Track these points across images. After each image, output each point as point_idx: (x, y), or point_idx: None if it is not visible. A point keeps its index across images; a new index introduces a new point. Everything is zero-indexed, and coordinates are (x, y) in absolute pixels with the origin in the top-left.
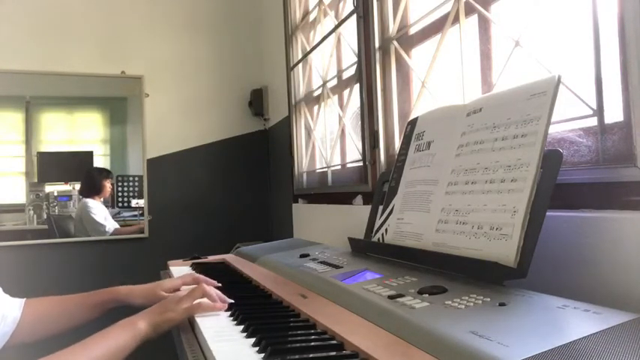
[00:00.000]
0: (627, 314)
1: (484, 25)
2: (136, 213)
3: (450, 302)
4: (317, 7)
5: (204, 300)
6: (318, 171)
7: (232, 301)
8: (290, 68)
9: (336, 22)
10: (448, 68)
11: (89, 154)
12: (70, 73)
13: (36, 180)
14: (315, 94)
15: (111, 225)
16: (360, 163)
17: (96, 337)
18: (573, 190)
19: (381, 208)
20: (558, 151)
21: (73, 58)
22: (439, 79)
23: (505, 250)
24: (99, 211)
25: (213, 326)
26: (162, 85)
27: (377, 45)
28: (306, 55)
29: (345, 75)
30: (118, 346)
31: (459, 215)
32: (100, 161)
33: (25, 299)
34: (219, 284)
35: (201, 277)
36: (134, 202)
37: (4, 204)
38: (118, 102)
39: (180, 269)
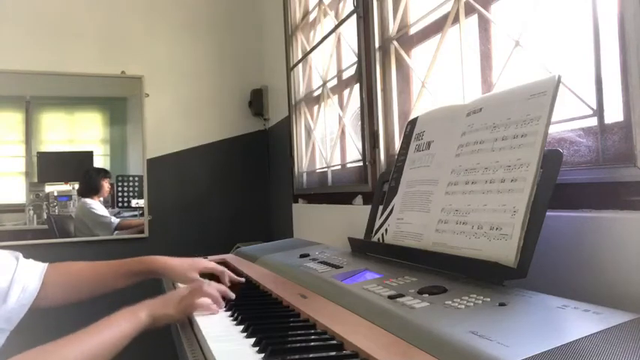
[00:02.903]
0: (627, 314)
1: (484, 25)
2: (136, 213)
3: (450, 302)
4: (317, 7)
5: (203, 299)
6: (318, 171)
7: (234, 295)
8: (290, 68)
9: (336, 22)
10: (448, 68)
11: (89, 154)
12: (70, 73)
13: (36, 180)
14: (315, 94)
15: (114, 218)
16: (360, 163)
17: (100, 325)
18: (573, 190)
19: (381, 208)
20: (558, 151)
21: (73, 58)
22: (439, 79)
23: (505, 250)
24: (99, 206)
25: (213, 326)
26: (162, 85)
27: (377, 45)
28: (306, 55)
29: (345, 75)
30: (121, 333)
31: (459, 215)
32: (100, 161)
33: (47, 265)
34: (242, 279)
35: (226, 270)
36: (134, 202)
37: (4, 204)
38: (118, 102)
39: None
